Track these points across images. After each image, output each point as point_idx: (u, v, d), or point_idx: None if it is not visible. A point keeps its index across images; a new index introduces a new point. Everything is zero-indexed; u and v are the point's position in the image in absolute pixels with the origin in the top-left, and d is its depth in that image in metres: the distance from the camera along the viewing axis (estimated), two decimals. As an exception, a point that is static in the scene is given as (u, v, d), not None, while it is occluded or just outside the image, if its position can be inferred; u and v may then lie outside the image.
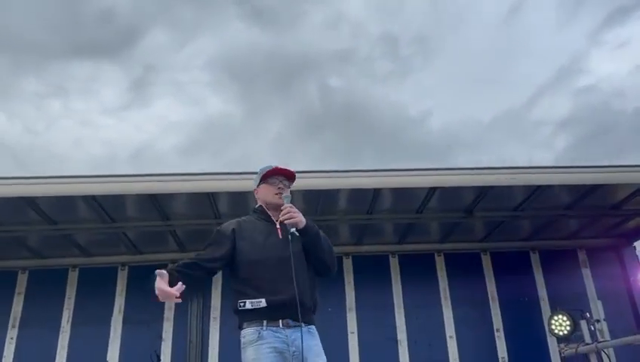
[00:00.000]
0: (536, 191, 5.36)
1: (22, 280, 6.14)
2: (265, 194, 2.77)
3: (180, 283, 2.41)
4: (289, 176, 2.79)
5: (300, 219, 2.58)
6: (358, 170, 5.06)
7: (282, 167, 2.79)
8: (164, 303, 5.97)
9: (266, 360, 2.43)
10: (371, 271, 6.40)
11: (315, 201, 5.36)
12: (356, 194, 5.24)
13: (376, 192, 5.18)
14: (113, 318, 5.96)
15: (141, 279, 6.34)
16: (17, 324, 5.90)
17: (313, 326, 2.59)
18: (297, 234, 2.57)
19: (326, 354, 2.60)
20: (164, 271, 2.45)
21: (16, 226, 5.41)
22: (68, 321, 5.93)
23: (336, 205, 5.54)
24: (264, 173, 2.79)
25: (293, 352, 2.46)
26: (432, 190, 5.20)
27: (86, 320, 5.94)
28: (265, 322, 2.50)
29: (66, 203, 5.06)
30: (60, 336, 5.85)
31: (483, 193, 5.32)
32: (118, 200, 5.07)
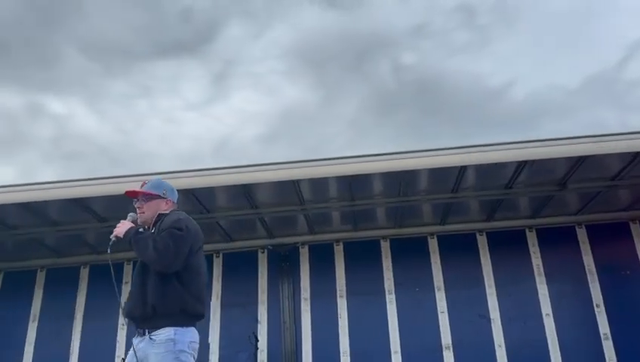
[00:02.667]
0: (635, 159, 5.01)
1: (127, 271, 6.65)
2: None
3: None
4: (132, 197, 3.01)
5: (119, 231, 2.83)
6: (442, 148, 4.97)
7: (125, 191, 3.04)
8: (257, 287, 6.34)
9: None
10: (459, 249, 6.31)
11: (396, 183, 5.36)
12: (440, 173, 5.17)
13: (462, 170, 5.08)
14: (212, 303, 6.32)
15: (234, 265, 6.68)
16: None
17: (157, 332, 2.62)
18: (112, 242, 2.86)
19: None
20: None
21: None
22: (172, 306, 6.37)
23: (417, 185, 5.51)
24: None
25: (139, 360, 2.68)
26: (521, 164, 5.02)
27: (188, 305, 6.35)
28: (136, 333, 2.76)
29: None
30: (166, 320, 6.29)
31: (577, 164, 5.06)
32: (211, 191, 5.36)
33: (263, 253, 6.54)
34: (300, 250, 6.44)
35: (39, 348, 6.22)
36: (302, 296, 6.23)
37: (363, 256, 6.36)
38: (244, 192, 5.39)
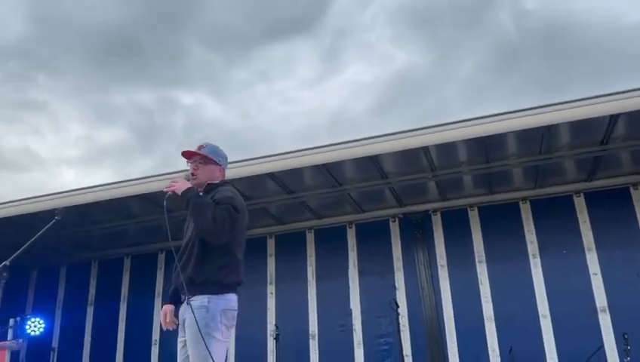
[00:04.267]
0: None
1: (270, 244, 7.15)
2: None
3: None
4: (188, 157, 2.92)
5: (177, 187, 2.73)
6: (586, 98, 4.53)
7: (183, 151, 2.94)
8: (392, 255, 6.43)
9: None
10: (609, 206, 5.79)
11: (535, 140, 5.04)
12: (585, 125, 4.74)
13: (612, 119, 4.61)
14: (349, 271, 6.56)
15: (367, 235, 6.83)
16: (274, 281, 6.92)
17: (195, 298, 2.66)
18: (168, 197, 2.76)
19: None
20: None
21: (261, 198, 6.29)
22: (313, 276, 6.74)
23: (559, 140, 5.12)
24: None
25: (182, 322, 2.76)
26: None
27: (327, 274, 6.67)
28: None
29: (297, 173, 5.67)
30: (309, 289, 6.68)
31: None
32: (341, 165, 5.50)
33: (394, 221, 6.59)
34: (433, 217, 6.38)
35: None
36: (438, 263, 6.20)
37: (501, 220, 6.12)
38: (373, 163, 5.45)
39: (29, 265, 7.53)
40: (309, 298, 6.64)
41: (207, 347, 2.54)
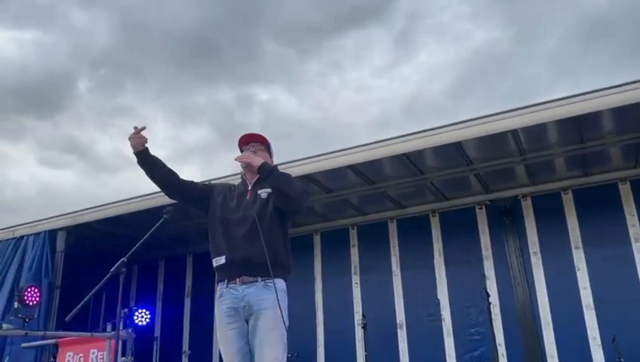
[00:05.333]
0: None
1: (353, 235, 7.21)
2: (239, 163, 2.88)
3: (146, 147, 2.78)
4: (247, 141, 2.91)
5: (253, 160, 2.70)
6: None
7: (243, 135, 2.95)
8: (480, 243, 6.25)
9: (221, 317, 2.65)
10: None
11: (636, 117, 4.68)
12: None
13: None
14: (435, 261, 6.48)
15: (452, 224, 6.70)
16: (358, 271, 6.99)
17: (276, 280, 2.55)
18: (264, 196, 2.71)
19: None
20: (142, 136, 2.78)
21: (342, 190, 6.36)
22: (397, 266, 6.73)
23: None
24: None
25: (244, 306, 2.56)
26: None
27: (412, 265, 6.63)
28: (226, 280, 2.67)
29: (378, 164, 5.66)
30: (394, 279, 6.68)
31: None
32: (423, 154, 5.42)
33: (480, 208, 6.41)
34: (522, 202, 6.13)
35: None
36: (530, 250, 5.95)
37: (598, 203, 5.76)
38: (457, 150, 5.32)
39: (132, 259, 8.14)
40: (395, 288, 6.64)
41: (283, 333, 2.49)
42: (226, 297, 2.66)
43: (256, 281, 2.59)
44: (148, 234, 2.92)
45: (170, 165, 2.91)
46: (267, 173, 2.68)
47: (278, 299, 2.50)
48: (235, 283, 2.63)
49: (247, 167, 2.80)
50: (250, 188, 2.85)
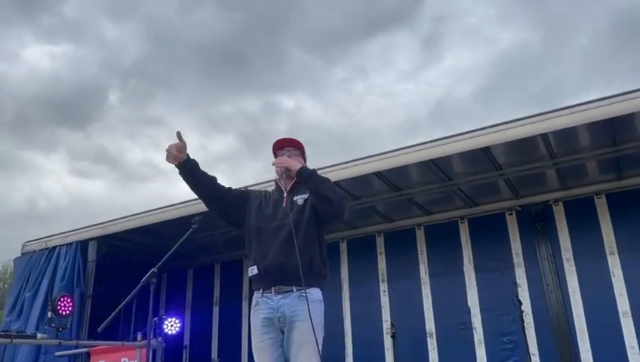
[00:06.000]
0: None
1: (380, 243, 7.15)
2: (275, 169, 2.83)
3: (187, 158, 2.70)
4: (282, 146, 2.86)
5: (292, 163, 2.64)
6: None
7: (278, 140, 2.89)
8: (511, 250, 6.12)
9: (256, 327, 2.59)
10: None
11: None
12: None
13: None
14: (465, 268, 6.37)
15: (482, 230, 6.58)
16: (385, 279, 6.92)
17: (311, 290, 2.53)
18: (300, 202, 2.67)
19: None
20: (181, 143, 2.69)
21: (368, 197, 6.31)
22: (425, 273, 6.63)
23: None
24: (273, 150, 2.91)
25: (279, 318, 2.52)
26: None
27: (441, 271, 6.53)
28: (261, 290, 2.62)
29: (404, 170, 5.60)
30: (422, 287, 6.59)
31: None
32: (450, 159, 5.35)
33: (511, 214, 6.28)
34: (554, 207, 5.98)
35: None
36: (563, 257, 5.80)
37: (634, 207, 5.58)
38: (485, 154, 5.23)
39: (161, 268, 8.26)
40: (424, 296, 6.55)
41: (318, 344, 2.43)
42: (261, 306, 2.61)
43: (292, 291, 2.55)
44: (178, 243, 2.94)
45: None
46: (307, 177, 2.63)
47: (309, 311, 2.46)
48: (271, 293, 2.59)
49: (285, 171, 2.73)
50: (285, 194, 2.80)
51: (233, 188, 2.94)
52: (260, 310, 2.61)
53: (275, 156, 2.88)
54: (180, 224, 5.72)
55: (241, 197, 2.87)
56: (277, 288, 2.58)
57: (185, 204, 5.84)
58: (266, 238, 2.67)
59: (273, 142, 2.91)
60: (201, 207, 5.94)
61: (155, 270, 2.77)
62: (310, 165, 2.89)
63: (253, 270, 2.66)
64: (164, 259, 2.84)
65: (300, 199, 2.73)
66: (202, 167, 2.82)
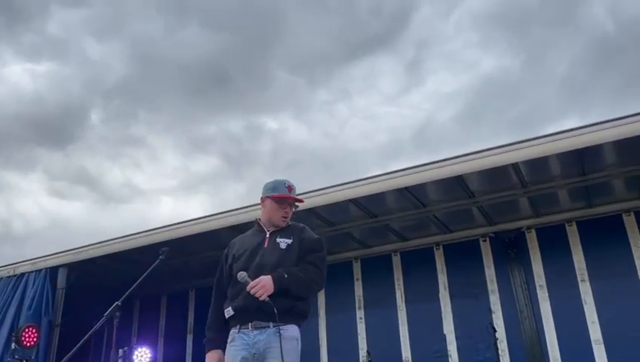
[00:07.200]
0: None
1: (356, 268, 7.13)
2: (271, 212, 2.87)
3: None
4: (292, 201, 2.88)
5: (267, 288, 2.54)
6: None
7: (294, 196, 2.91)
8: (485, 276, 6.16)
9: (231, 360, 2.61)
10: None
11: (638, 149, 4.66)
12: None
13: None
14: (440, 294, 6.38)
15: (456, 256, 6.60)
16: (362, 306, 6.88)
17: (287, 327, 2.59)
18: (283, 246, 2.75)
19: None
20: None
21: (344, 223, 6.31)
22: (402, 300, 6.62)
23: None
24: (277, 194, 2.87)
25: (254, 354, 2.56)
26: None
27: (417, 298, 6.53)
28: (238, 326, 2.65)
29: (380, 197, 5.63)
30: (399, 313, 6.56)
31: None
32: (424, 187, 5.40)
33: (484, 241, 6.34)
34: (527, 234, 6.07)
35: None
36: (536, 283, 5.86)
37: (603, 235, 5.69)
38: (459, 183, 5.31)
39: (133, 295, 8.08)
40: (400, 323, 6.52)
41: None
42: (237, 343, 2.64)
43: (268, 327, 2.58)
44: (144, 275, 2.89)
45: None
46: (285, 292, 2.64)
47: (281, 350, 2.49)
48: (247, 328, 2.63)
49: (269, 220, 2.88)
50: (268, 235, 2.86)
51: (223, 274, 2.97)
52: (236, 346, 2.62)
53: (274, 199, 2.89)
54: (151, 251, 5.63)
55: (229, 272, 2.89)
56: (254, 323, 2.61)
57: (151, 232, 5.77)
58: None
59: (283, 193, 2.89)
60: (170, 234, 5.95)
61: (119, 303, 2.71)
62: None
63: (229, 311, 2.70)
64: (128, 292, 2.79)
65: (282, 243, 2.79)
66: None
